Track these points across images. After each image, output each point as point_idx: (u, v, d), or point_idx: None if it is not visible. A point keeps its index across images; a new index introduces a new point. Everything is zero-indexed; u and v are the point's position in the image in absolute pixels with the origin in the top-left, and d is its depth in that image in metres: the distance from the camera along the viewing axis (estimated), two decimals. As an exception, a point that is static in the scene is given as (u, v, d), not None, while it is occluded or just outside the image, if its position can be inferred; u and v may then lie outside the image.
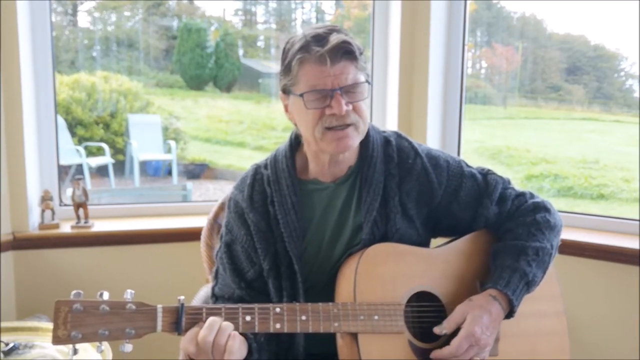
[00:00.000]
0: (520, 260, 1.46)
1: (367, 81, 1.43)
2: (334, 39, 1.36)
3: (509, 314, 1.45)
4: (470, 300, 1.43)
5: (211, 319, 1.27)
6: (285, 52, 1.44)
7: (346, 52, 1.37)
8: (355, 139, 1.44)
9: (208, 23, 7.88)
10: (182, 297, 1.28)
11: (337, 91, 1.37)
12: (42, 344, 1.95)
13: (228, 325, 1.27)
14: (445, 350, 1.38)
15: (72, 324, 1.20)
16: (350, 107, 1.39)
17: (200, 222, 1.98)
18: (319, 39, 1.37)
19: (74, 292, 1.23)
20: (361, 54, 1.42)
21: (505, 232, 1.55)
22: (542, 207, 1.56)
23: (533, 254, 1.47)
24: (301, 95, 1.40)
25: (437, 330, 1.41)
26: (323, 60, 1.36)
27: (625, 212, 4.92)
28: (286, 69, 1.42)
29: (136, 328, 1.23)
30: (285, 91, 1.46)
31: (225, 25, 8.09)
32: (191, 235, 2.21)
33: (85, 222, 2.46)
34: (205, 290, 1.76)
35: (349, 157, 1.53)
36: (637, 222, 2.32)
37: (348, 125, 1.41)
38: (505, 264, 1.47)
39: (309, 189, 1.54)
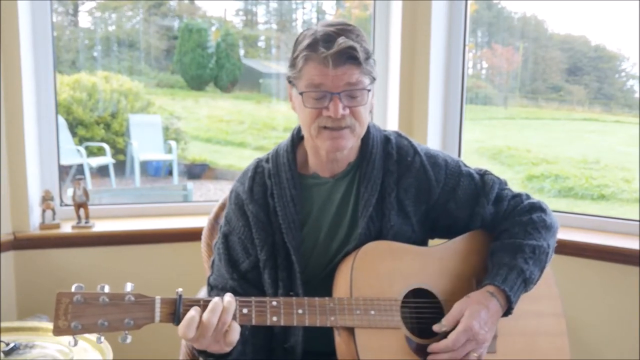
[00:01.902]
0: (518, 258, 1.47)
1: (368, 89, 1.42)
2: (341, 42, 1.36)
3: (507, 312, 1.45)
4: (468, 297, 1.44)
5: (213, 302, 1.28)
6: (296, 44, 1.46)
7: (350, 57, 1.38)
8: (349, 141, 1.46)
9: (209, 23, 7.89)
10: (180, 289, 1.30)
11: (336, 95, 1.38)
12: (43, 344, 1.95)
13: (230, 303, 1.28)
14: (442, 344, 1.38)
15: (72, 314, 1.22)
16: (348, 110, 1.41)
17: (201, 222, 1.98)
18: (327, 39, 1.38)
19: (75, 285, 1.25)
20: (368, 58, 1.42)
21: (502, 232, 1.56)
22: (538, 208, 1.58)
23: (530, 252, 1.48)
24: (301, 93, 1.42)
25: (436, 328, 1.42)
26: (326, 63, 1.37)
27: (626, 212, 4.91)
28: (293, 62, 1.44)
29: (135, 319, 1.25)
30: (290, 82, 1.48)
31: (226, 25, 8.10)
32: (192, 235, 2.21)
33: (86, 222, 2.46)
34: (205, 291, 1.76)
35: (349, 154, 1.54)
36: (637, 223, 2.32)
37: (344, 128, 1.42)
38: (503, 261, 1.47)
39: (308, 183, 1.56)
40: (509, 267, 1.46)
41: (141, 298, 1.27)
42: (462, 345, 1.38)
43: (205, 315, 1.26)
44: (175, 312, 1.28)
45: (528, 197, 1.62)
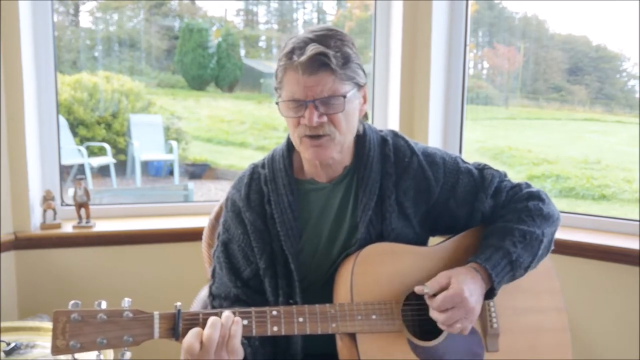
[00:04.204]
0: (505, 240, 1.46)
1: (344, 95, 1.40)
2: (311, 50, 1.35)
3: (490, 293, 1.44)
4: (453, 268, 1.43)
5: (212, 318, 1.27)
6: (280, 52, 1.45)
7: (323, 64, 1.36)
8: (331, 150, 1.44)
9: (210, 23, 7.89)
10: (178, 304, 1.28)
11: (310, 103, 1.38)
12: (44, 343, 1.95)
13: (229, 318, 1.28)
14: (429, 301, 1.38)
15: (70, 333, 1.21)
16: (325, 118, 1.40)
17: (202, 222, 1.98)
18: (301, 47, 1.38)
19: (71, 302, 1.23)
20: (347, 63, 1.39)
21: (496, 219, 1.55)
22: (536, 197, 1.57)
23: (520, 236, 1.47)
24: (277, 103, 1.44)
25: (417, 289, 1.40)
26: (298, 70, 1.37)
27: (627, 212, 4.91)
28: (276, 72, 1.45)
29: (134, 335, 1.24)
30: (277, 92, 1.48)
31: (226, 25, 8.10)
32: (192, 235, 2.21)
33: (87, 222, 2.46)
34: (206, 291, 1.76)
35: (343, 158, 1.53)
36: (638, 223, 2.32)
37: (322, 136, 1.41)
38: (490, 242, 1.47)
39: (305, 188, 1.55)
40: (495, 247, 1.45)
41: (139, 314, 1.25)
42: (451, 310, 1.35)
43: (206, 331, 1.25)
44: (174, 327, 1.27)
45: (528, 185, 1.61)
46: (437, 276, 1.40)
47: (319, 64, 1.36)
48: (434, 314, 1.38)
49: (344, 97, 1.40)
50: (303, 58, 1.35)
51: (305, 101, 1.38)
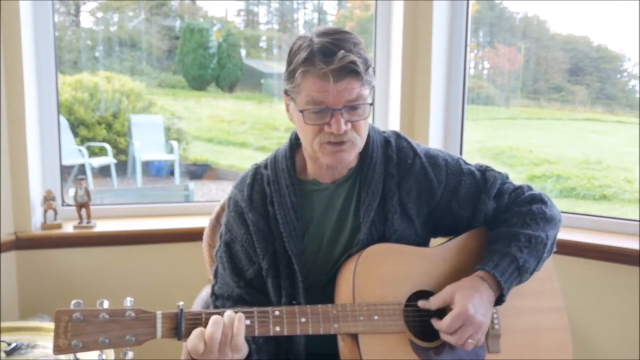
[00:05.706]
0: (512, 246, 1.46)
1: (370, 102, 1.40)
2: (340, 57, 1.32)
3: (500, 300, 1.45)
4: (459, 281, 1.43)
5: (214, 317, 1.27)
6: (291, 55, 1.41)
7: (351, 71, 1.34)
8: (351, 155, 1.44)
9: (210, 23, 7.90)
10: (181, 303, 1.29)
11: (338, 111, 1.35)
12: (45, 344, 1.95)
13: (230, 317, 1.28)
14: (437, 325, 1.39)
15: (72, 333, 1.20)
16: (349, 125, 1.38)
17: (203, 222, 1.98)
18: (326, 53, 1.33)
19: (73, 301, 1.23)
20: (367, 68, 1.38)
21: (500, 223, 1.55)
22: (539, 199, 1.57)
23: (525, 241, 1.47)
24: (301, 111, 1.39)
25: (421, 304, 1.41)
26: (326, 78, 1.33)
27: (628, 212, 4.91)
28: (290, 75, 1.40)
29: (136, 335, 1.24)
30: (288, 94, 1.45)
31: (227, 25, 8.11)
32: (193, 235, 2.21)
33: (88, 222, 2.46)
34: (207, 291, 1.76)
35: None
36: (638, 223, 2.32)
37: (345, 142, 1.40)
38: (496, 248, 1.47)
39: (308, 189, 1.54)
40: (501, 253, 1.45)
41: (142, 314, 1.25)
42: (460, 329, 1.37)
43: (209, 329, 1.25)
44: (177, 327, 1.27)
45: (530, 188, 1.61)
46: (441, 291, 1.42)
47: (347, 71, 1.34)
48: (444, 337, 1.39)
49: (371, 104, 1.40)
50: (333, 66, 1.32)
51: (333, 109, 1.35)
